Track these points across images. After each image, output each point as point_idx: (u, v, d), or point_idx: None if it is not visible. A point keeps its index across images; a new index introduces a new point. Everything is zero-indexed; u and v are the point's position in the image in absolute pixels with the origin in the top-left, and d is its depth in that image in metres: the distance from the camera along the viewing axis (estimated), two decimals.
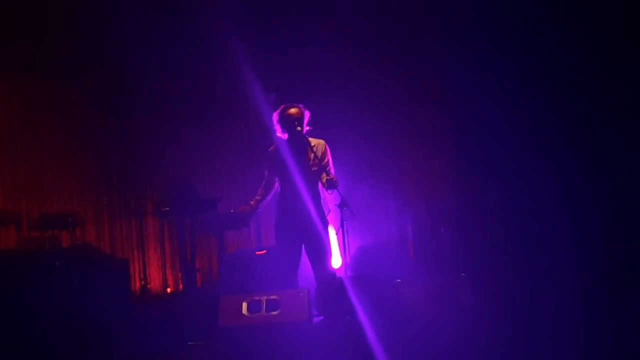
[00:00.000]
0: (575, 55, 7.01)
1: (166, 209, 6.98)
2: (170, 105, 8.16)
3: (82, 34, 7.85)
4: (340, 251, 6.14)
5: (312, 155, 4.92)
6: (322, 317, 5.40)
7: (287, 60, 8.12)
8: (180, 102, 8.17)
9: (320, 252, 4.95)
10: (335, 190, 4.82)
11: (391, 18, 8.09)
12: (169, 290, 7.78)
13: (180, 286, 7.67)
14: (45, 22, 7.73)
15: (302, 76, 8.01)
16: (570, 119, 7.01)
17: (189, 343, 4.79)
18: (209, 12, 7.70)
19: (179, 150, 8.12)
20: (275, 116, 5.01)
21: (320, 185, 5.01)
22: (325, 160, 4.97)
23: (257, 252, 6.49)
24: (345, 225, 5.95)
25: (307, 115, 5.01)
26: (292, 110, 4.95)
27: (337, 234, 5.55)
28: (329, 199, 5.16)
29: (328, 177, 4.79)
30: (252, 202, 5.19)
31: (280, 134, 5.02)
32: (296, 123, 4.91)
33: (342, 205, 4.94)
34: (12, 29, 7.64)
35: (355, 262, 7.26)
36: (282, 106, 5.01)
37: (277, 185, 5.09)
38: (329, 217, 5.20)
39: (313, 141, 5.01)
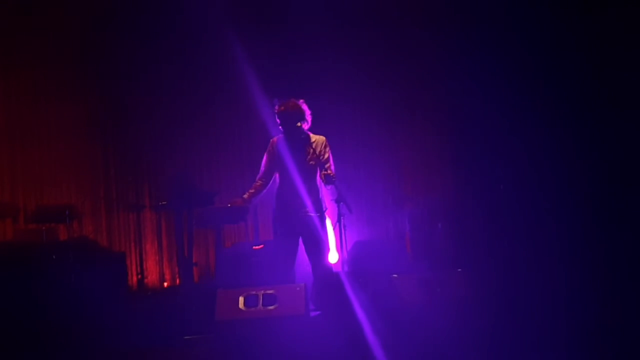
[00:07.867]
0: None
1: (164, 202, 6.99)
2: (169, 100, 8.15)
3: (84, 29, 7.84)
4: (337, 246, 6.15)
5: (310, 150, 4.94)
6: (319, 312, 5.41)
7: (288, 62, 8.16)
8: (178, 97, 8.15)
9: (318, 247, 4.95)
10: (333, 186, 4.83)
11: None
12: (166, 284, 7.79)
13: (177, 280, 7.68)
14: (45, 15, 7.72)
15: (302, 77, 8.06)
16: (569, 115, 7.02)
17: (186, 337, 4.79)
18: (207, 10, 7.73)
19: (177, 144, 8.13)
20: (275, 109, 5.04)
21: (319, 180, 5.02)
22: (326, 156, 4.98)
23: (254, 247, 6.50)
24: (342, 220, 5.96)
25: (306, 111, 5.02)
26: (290, 106, 4.97)
27: (334, 229, 5.56)
28: (327, 194, 5.16)
29: (325, 172, 4.80)
30: (245, 196, 5.12)
31: (281, 126, 5.03)
32: (294, 118, 4.94)
33: (339, 200, 4.95)
34: (12, 21, 7.63)
35: (352, 257, 7.28)
36: (282, 101, 5.03)
37: (276, 179, 5.09)
38: (326, 213, 5.20)
39: (313, 137, 5.03)
